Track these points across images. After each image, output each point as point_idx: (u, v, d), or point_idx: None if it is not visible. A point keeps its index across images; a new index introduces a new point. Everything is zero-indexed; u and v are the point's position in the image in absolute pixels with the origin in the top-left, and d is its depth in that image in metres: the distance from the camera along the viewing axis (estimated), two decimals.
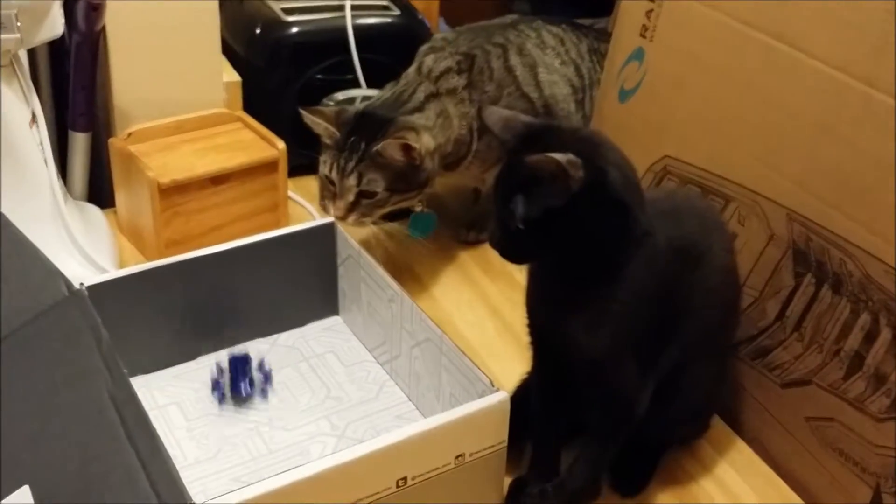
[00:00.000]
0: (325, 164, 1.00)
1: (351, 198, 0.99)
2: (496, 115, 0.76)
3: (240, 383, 0.91)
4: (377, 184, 0.98)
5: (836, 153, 0.82)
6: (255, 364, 0.93)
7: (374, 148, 0.97)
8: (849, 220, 0.81)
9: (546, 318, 0.78)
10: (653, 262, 0.73)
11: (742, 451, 0.90)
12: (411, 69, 1.08)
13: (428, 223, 1.11)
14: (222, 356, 0.94)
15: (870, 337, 0.80)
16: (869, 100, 0.79)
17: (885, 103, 0.78)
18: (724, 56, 0.92)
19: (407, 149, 0.97)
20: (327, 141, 1.01)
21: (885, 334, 0.79)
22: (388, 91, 1.06)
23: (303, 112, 1.01)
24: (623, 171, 0.71)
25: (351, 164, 0.98)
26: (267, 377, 0.93)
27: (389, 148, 0.97)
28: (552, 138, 0.72)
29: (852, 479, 0.82)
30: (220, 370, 0.92)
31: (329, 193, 1.01)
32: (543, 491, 0.80)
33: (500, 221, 0.72)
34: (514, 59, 1.10)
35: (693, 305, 0.78)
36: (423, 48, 1.11)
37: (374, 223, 1.02)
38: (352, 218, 1.00)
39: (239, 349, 0.94)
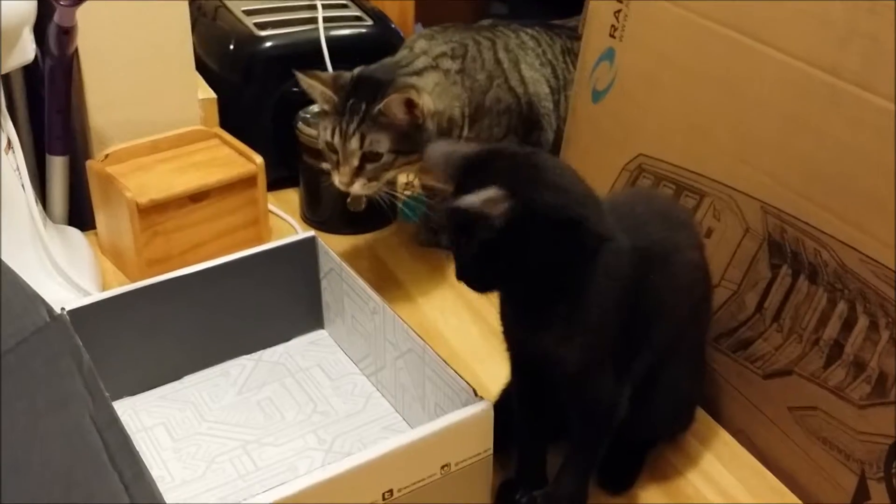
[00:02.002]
0: (326, 130, 0.99)
1: (355, 162, 0.98)
2: (437, 152, 0.74)
3: None
4: (381, 144, 0.97)
5: (805, 144, 0.83)
6: None
7: (377, 107, 0.95)
8: (821, 210, 0.82)
9: (520, 334, 0.78)
10: (616, 268, 0.72)
11: (727, 444, 0.91)
12: (404, 51, 1.07)
13: (418, 205, 1.14)
14: (207, 375, 0.94)
15: (847, 325, 0.81)
16: (834, 89, 0.79)
17: (850, 92, 0.78)
18: (693, 53, 0.93)
19: (410, 105, 0.96)
20: (325, 107, 1.00)
21: (862, 322, 0.80)
22: (384, 60, 1.05)
23: (299, 76, 1.00)
24: (560, 190, 0.69)
25: (353, 127, 0.97)
26: None
27: (393, 105, 0.95)
28: (489, 168, 0.70)
29: (837, 466, 0.82)
30: None
31: (332, 162, 1.00)
32: (532, 500, 0.81)
33: (455, 256, 0.72)
34: (502, 54, 1.11)
35: (662, 304, 0.78)
36: (412, 38, 1.10)
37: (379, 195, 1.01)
38: (358, 183, 0.99)
39: (223, 367, 0.94)
